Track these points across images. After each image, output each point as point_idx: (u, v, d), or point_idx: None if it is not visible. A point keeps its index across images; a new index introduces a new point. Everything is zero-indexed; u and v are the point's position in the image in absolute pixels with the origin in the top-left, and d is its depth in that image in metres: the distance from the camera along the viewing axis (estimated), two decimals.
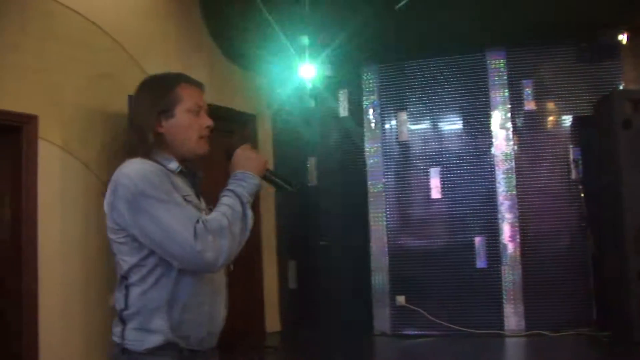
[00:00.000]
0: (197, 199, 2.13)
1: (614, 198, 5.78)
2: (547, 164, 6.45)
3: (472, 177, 6.54)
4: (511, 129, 6.50)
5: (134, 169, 1.99)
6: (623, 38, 6.26)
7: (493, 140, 6.52)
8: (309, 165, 7.12)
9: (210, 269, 1.95)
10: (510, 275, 6.33)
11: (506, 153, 6.47)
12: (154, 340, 1.99)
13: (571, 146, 6.46)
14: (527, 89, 6.52)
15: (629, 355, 5.42)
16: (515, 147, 6.49)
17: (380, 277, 6.67)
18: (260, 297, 7.03)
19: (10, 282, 4.94)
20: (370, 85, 6.87)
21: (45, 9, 5.07)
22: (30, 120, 4.90)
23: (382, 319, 6.64)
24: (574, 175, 6.37)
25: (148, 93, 2.14)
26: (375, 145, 6.82)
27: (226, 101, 6.65)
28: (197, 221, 1.90)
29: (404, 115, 6.75)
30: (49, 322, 4.90)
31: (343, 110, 7.02)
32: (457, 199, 6.55)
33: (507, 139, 6.48)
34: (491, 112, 6.55)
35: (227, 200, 2.01)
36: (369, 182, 6.79)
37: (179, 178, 2.09)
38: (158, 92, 2.13)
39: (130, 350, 2.01)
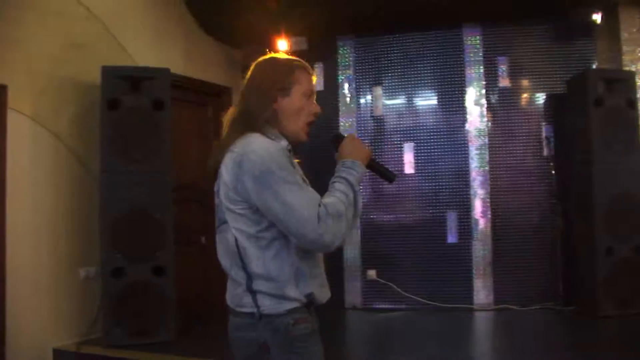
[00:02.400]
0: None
1: (584, 175, 5.84)
2: (520, 141, 6.50)
3: (446, 153, 6.57)
4: (485, 106, 6.53)
5: (261, 145, 2.09)
6: (597, 17, 6.28)
7: (467, 116, 6.55)
8: None
9: (324, 250, 2.08)
10: (480, 250, 6.40)
11: (479, 129, 6.50)
12: (291, 304, 2.13)
13: (544, 123, 6.51)
14: (502, 66, 6.55)
15: (593, 328, 5.51)
16: (489, 124, 6.53)
17: (352, 252, 6.71)
18: None
19: None
20: (346, 59, 6.87)
21: None
22: None
23: (353, 293, 6.69)
24: (545, 152, 6.43)
25: (271, 70, 2.27)
26: (350, 119, 6.82)
27: (201, 73, 6.65)
28: (319, 204, 2.01)
29: (379, 90, 6.76)
30: (17, 290, 4.90)
31: (318, 84, 7.00)
32: (430, 174, 6.58)
33: (481, 116, 6.52)
34: (466, 89, 6.57)
35: (340, 187, 2.12)
36: None
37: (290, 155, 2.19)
38: (281, 70, 2.26)
39: (268, 314, 2.13)
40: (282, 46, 6.36)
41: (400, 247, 6.56)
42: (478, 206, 6.45)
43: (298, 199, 2.00)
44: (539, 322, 5.87)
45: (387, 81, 6.78)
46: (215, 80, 6.89)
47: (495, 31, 6.58)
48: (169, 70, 5.38)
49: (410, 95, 6.77)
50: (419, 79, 6.72)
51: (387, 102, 6.78)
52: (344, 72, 6.86)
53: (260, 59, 2.35)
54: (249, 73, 2.33)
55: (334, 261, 6.71)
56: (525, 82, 6.60)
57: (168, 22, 6.37)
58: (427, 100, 6.74)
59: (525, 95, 6.61)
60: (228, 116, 2.29)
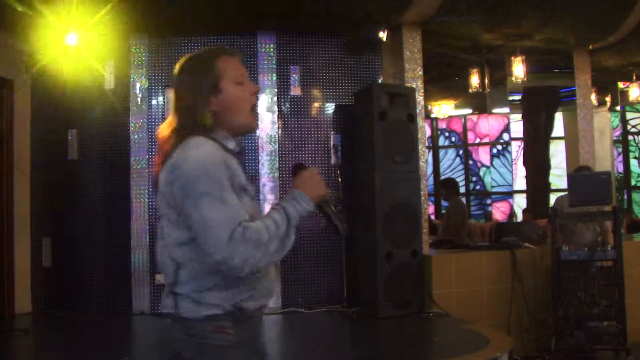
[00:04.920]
0: (250, 183, 2.15)
1: (368, 183, 6.14)
2: (309, 149, 6.72)
3: None
4: (277, 113, 6.67)
5: (196, 153, 2.00)
6: (383, 35, 6.66)
7: (258, 122, 6.63)
8: (70, 138, 6.76)
9: (231, 273, 1.97)
10: None
11: (271, 136, 6.63)
12: (212, 310, 2.03)
13: (332, 133, 6.78)
14: (294, 75, 6.73)
15: (374, 328, 5.84)
16: (280, 131, 6.68)
17: (140, 256, 6.52)
18: (10, 277, 6.57)
19: None
20: (139, 59, 6.68)
21: None
22: None
23: (141, 298, 6.50)
24: (333, 160, 6.69)
25: (190, 75, 2.16)
26: (141, 120, 6.62)
27: None
28: (239, 224, 1.92)
29: (171, 92, 6.63)
30: None
31: (108, 83, 6.74)
32: None
33: (273, 122, 6.65)
34: (258, 95, 6.65)
35: (275, 215, 2.04)
36: (132, 158, 6.59)
37: (235, 160, 2.12)
38: (199, 71, 2.14)
39: (186, 318, 2.04)
40: (71, 40, 6.06)
41: None
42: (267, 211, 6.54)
43: (215, 214, 1.93)
44: (324, 324, 6.11)
45: None
46: None
47: (290, 40, 6.76)
48: None
49: None
50: None
51: None
52: (136, 71, 6.65)
53: (181, 61, 2.23)
54: (175, 77, 2.22)
55: (121, 265, 6.51)
56: (316, 92, 6.84)
57: None
58: None
59: (315, 104, 6.85)
60: (166, 125, 2.18)
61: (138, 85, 6.65)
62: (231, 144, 2.17)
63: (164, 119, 6.46)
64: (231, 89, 2.16)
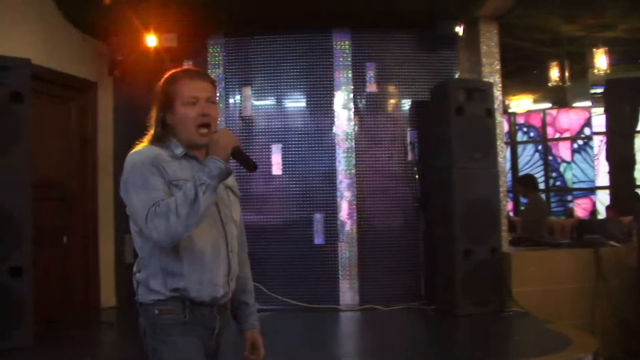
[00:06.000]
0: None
1: (445, 180, 6.07)
2: (385, 145, 6.69)
3: (313, 155, 6.65)
4: (353, 110, 6.67)
5: (130, 156, 2.38)
6: (460, 30, 6.57)
7: (335, 119, 6.66)
8: None
9: (160, 245, 2.28)
10: (346, 251, 6.52)
11: (347, 133, 6.63)
12: (156, 296, 2.37)
13: (408, 129, 6.73)
14: (370, 72, 6.71)
15: (452, 326, 5.78)
16: (356, 128, 6.67)
17: None
18: (96, 272, 6.79)
19: None
20: (216, 58, 6.78)
21: None
22: None
23: None
24: (410, 157, 6.65)
25: (157, 90, 2.49)
26: (219, 119, 6.72)
27: (64, 66, 6.33)
28: (153, 205, 2.22)
29: (248, 91, 6.73)
30: None
31: None
32: (297, 176, 6.63)
33: (349, 119, 6.65)
34: (334, 92, 6.68)
35: (186, 185, 2.25)
36: None
37: (184, 162, 2.41)
38: (162, 89, 2.47)
39: (142, 303, 2.42)
40: (151, 42, 6.20)
41: (268, 248, 6.53)
42: (345, 208, 6.56)
43: (138, 200, 2.27)
44: (401, 321, 6.08)
45: (256, 82, 6.76)
46: (80, 74, 6.59)
47: (364, 37, 6.75)
48: (29, 60, 5.08)
49: (279, 97, 6.80)
50: (289, 80, 6.75)
51: (256, 102, 6.77)
52: (213, 71, 6.74)
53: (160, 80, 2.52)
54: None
55: None
56: (391, 88, 6.81)
57: (27, 10, 5.99)
58: (296, 102, 6.79)
59: (391, 100, 6.82)
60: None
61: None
62: (178, 150, 2.43)
63: (241, 117, 6.62)
64: (180, 109, 2.43)
